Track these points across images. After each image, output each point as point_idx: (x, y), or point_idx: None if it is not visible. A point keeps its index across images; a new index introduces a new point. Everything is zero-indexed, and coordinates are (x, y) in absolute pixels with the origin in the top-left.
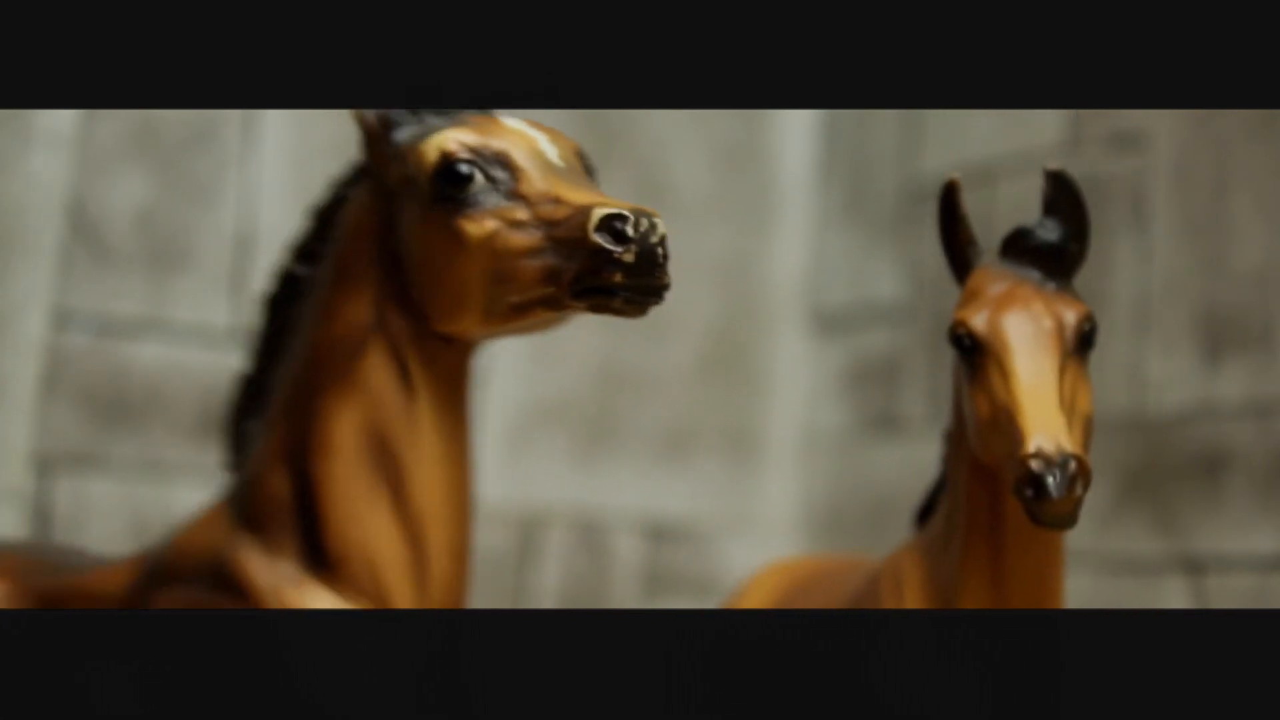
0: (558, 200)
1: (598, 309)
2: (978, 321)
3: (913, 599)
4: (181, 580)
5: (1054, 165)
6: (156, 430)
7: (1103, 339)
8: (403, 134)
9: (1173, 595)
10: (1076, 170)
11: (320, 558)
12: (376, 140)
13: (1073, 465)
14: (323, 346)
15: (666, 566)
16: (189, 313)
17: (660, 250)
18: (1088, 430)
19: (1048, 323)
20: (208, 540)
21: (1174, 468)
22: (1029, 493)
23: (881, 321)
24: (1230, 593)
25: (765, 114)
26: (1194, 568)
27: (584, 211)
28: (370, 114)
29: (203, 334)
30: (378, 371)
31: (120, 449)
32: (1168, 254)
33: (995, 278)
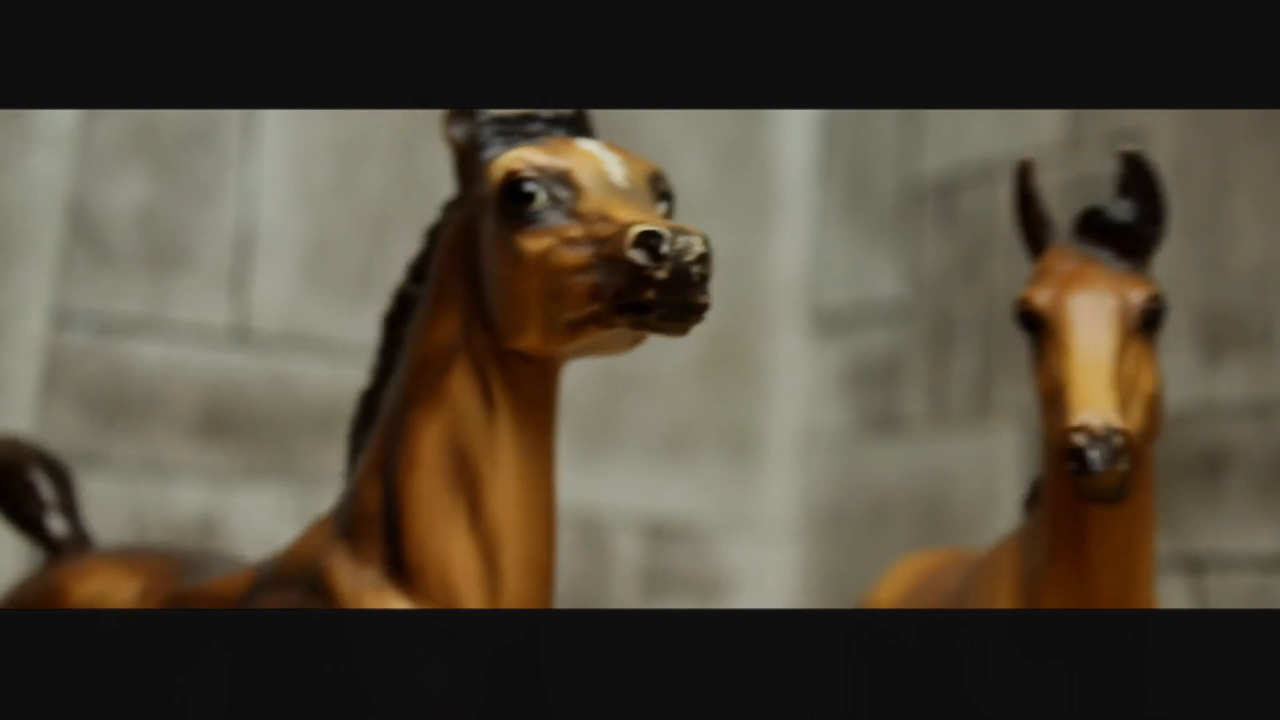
0: (607, 218)
1: (637, 326)
2: (1041, 299)
3: (1006, 589)
4: (284, 583)
5: (1130, 147)
6: (156, 430)
7: None
8: (487, 154)
9: (1173, 595)
10: (1076, 170)
11: (400, 567)
12: (464, 160)
13: (1118, 440)
14: (418, 362)
15: (666, 566)
16: (189, 313)
17: (696, 269)
18: (1152, 409)
19: (1111, 301)
20: (311, 547)
21: (1174, 468)
22: (1073, 466)
23: (881, 321)
24: (1230, 592)
25: (765, 114)
26: (1194, 567)
27: (625, 228)
28: (460, 135)
29: (203, 334)
30: (462, 387)
31: (120, 449)
32: (1168, 254)
33: (1065, 257)
